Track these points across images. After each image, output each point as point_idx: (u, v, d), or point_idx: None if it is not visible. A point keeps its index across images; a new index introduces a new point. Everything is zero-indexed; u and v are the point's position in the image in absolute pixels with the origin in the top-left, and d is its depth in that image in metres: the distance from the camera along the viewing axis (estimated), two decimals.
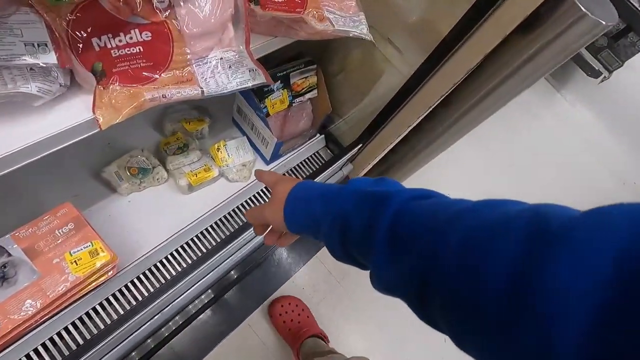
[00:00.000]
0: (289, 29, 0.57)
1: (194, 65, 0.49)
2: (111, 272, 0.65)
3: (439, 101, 0.82)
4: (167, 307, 0.77)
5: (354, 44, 0.82)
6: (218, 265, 0.85)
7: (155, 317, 0.76)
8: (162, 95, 0.47)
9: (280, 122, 0.87)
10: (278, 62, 0.82)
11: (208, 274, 0.84)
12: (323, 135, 1.00)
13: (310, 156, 1.00)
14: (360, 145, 0.92)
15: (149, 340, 0.84)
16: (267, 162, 0.90)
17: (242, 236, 0.82)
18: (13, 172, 0.42)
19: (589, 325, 0.16)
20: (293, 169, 0.97)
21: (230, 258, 0.85)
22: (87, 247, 0.60)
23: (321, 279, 1.24)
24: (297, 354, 1.02)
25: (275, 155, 0.88)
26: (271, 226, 0.46)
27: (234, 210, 0.86)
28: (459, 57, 0.66)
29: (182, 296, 0.80)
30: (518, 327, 0.19)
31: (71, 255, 0.58)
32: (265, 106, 0.79)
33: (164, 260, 0.76)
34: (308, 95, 0.87)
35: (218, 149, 0.84)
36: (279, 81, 0.79)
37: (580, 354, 0.17)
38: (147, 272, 0.74)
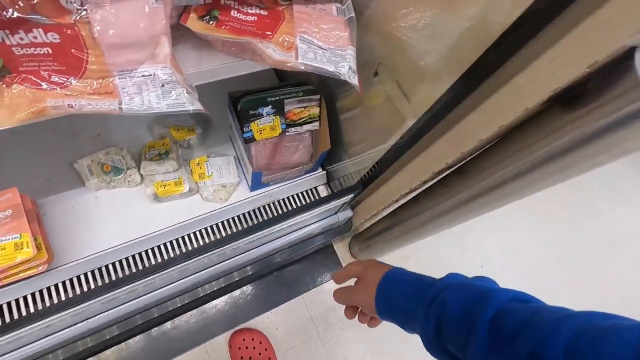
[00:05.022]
0: (254, 53, 0.49)
1: (116, 78, 0.43)
2: (41, 267, 0.63)
3: (449, 169, 0.67)
4: (104, 312, 0.73)
5: (364, 80, 0.70)
6: (172, 283, 0.79)
7: (93, 319, 0.72)
8: (68, 104, 0.41)
9: (270, 150, 0.78)
10: (278, 85, 0.74)
11: (157, 290, 0.78)
12: (325, 172, 0.89)
13: (305, 191, 0.90)
14: (354, 193, 0.79)
15: (88, 339, 0.81)
16: (250, 189, 0.83)
17: (201, 257, 0.75)
18: None
19: None
20: (280, 202, 0.87)
21: (190, 277, 0.79)
22: (14, 238, 0.58)
23: (300, 323, 1.11)
24: None
25: (257, 184, 0.80)
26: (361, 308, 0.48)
27: (200, 232, 0.80)
28: (468, 123, 0.51)
29: (128, 304, 0.76)
30: None
31: None
32: (250, 130, 0.72)
33: (110, 266, 0.73)
34: (307, 127, 0.77)
35: (198, 164, 0.78)
36: (270, 106, 0.71)
37: None
38: (89, 273, 0.71)
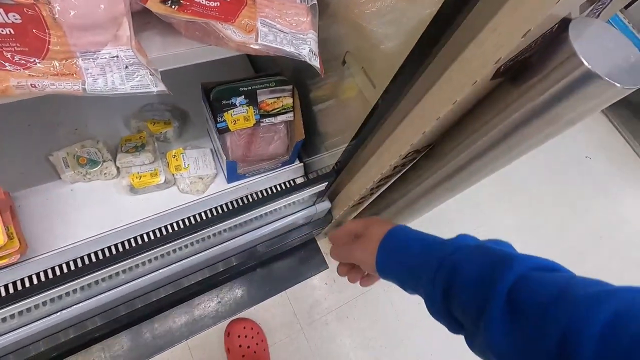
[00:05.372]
0: (217, 37, 0.50)
1: (79, 59, 0.45)
2: (14, 257, 0.63)
3: (416, 153, 0.68)
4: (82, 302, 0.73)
5: (332, 70, 0.72)
6: (153, 272, 0.80)
7: (68, 310, 0.72)
8: (32, 84, 0.42)
9: (245, 141, 0.80)
10: (252, 75, 0.76)
11: (139, 279, 0.79)
12: (302, 164, 0.91)
13: (282, 183, 0.91)
14: (328, 181, 0.81)
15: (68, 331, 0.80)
16: (227, 181, 0.84)
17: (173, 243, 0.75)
18: None
19: None
20: (258, 193, 0.88)
21: (172, 266, 0.80)
22: None
23: (283, 319, 1.12)
24: None
25: (233, 175, 0.81)
26: (356, 265, 0.44)
27: (177, 223, 0.81)
28: (425, 102, 0.53)
29: (105, 294, 0.76)
30: None
31: None
32: (224, 120, 0.73)
33: (86, 258, 0.73)
34: (281, 118, 0.79)
35: (174, 156, 0.80)
36: (243, 96, 0.72)
37: None
38: (64, 265, 0.72)
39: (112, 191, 0.78)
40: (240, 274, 1.09)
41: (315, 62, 0.52)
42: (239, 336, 0.99)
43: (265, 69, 0.90)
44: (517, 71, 0.48)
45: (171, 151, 0.80)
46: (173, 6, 0.47)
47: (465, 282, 0.30)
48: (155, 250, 0.69)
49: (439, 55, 0.46)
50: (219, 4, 0.50)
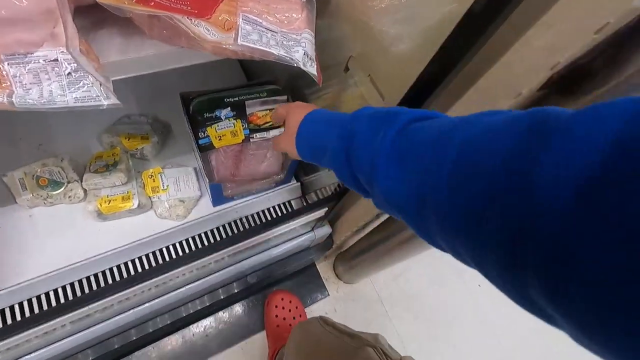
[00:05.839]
0: (189, 38, 0.40)
1: (5, 64, 0.34)
2: None
3: None
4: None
5: (332, 78, 0.62)
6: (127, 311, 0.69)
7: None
8: None
9: (233, 160, 0.69)
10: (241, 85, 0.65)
11: (104, 322, 0.68)
12: (299, 184, 0.80)
13: (277, 206, 0.80)
14: (328, 206, 0.70)
15: None
16: (213, 204, 0.73)
17: (148, 283, 0.65)
18: None
19: (578, 188, 0.16)
20: (249, 218, 0.78)
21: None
22: None
23: None
24: (272, 355, 0.86)
25: (219, 198, 0.71)
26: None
27: (154, 254, 0.70)
28: None
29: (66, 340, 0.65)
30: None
31: None
32: (207, 135, 0.63)
33: (43, 297, 0.62)
34: (274, 132, 0.68)
35: (151, 176, 0.69)
36: (229, 108, 0.62)
37: (567, 215, 0.16)
38: (16, 306, 0.61)
39: (78, 216, 0.67)
40: (227, 305, 0.98)
41: (312, 69, 0.42)
42: (276, 306, 0.96)
43: (259, 75, 0.80)
44: (570, 80, 0.37)
45: (148, 170, 0.70)
46: None
47: (360, 143, 0.32)
48: (123, 293, 0.58)
49: (471, 60, 0.35)
50: None
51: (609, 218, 0.15)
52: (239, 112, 0.63)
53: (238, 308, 1.01)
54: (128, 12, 0.37)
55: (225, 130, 0.64)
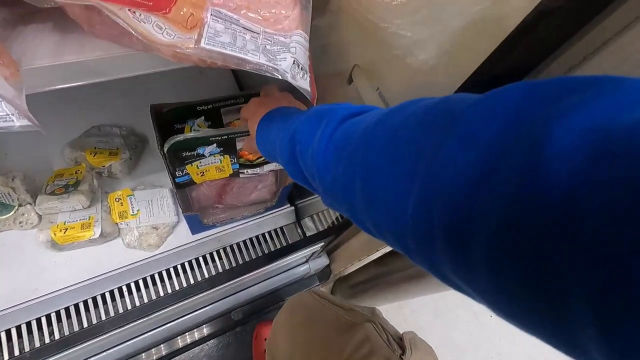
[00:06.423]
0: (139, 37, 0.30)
1: None
2: None
3: None
4: None
5: (333, 90, 0.52)
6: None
7: None
8: None
9: (217, 190, 0.59)
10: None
11: None
12: (294, 208, 0.70)
13: (268, 233, 0.70)
14: (325, 241, 0.60)
15: None
16: (191, 232, 0.63)
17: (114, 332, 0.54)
18: None
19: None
20: (233, 247, 0.67)
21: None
22: None
23: None
24: None
25: (196, 226, 0.60)
26: None
27: (120, 290, 0.60)
28: None
29: None
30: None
31: None
32: (187, 173, 0.52)
33: None
34: (269, 168, 0.57)
35: (118, 199, 0.59)
36: (215, 145, 0.50)
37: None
38: None
39: (30, 246, 0.57)
40: (211, 338, 0.87)
41: (303, 82, 0.32)
42: (265, 339, 0.86)
43: (253, 86, 0.70)
44: None
45: (115, 192, 0.60)
46: None
47: (302, 145, 0.31)
48: (79, 347, 0.48)
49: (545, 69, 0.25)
50: None
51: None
52: (228, 148, 0.52)
53: (220, 341, 0.90)
54: (50, 1, 0.27)
55: (208, 166, 0.53)
